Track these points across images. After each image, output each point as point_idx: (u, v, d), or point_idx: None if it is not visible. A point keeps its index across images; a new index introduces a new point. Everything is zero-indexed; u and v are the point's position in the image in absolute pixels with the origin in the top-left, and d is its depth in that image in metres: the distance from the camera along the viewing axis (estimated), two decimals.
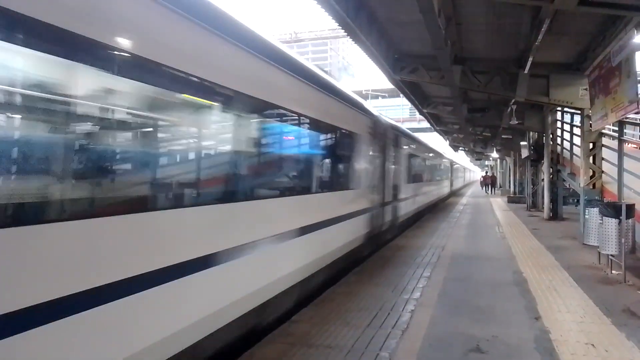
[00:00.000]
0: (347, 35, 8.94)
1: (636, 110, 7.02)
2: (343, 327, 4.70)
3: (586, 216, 7.86)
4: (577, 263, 7.98)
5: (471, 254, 9.16)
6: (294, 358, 3.90)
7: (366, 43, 9.32)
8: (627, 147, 9.98)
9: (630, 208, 6.92)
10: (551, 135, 15.12)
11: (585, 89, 10.18)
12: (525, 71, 9.91)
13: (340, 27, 8.48)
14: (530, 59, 9.00)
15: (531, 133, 18.53)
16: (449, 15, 8.25)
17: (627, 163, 9.00)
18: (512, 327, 4.70)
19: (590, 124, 9.90)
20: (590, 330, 4.62)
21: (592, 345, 4.21)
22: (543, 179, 16.88)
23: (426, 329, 4.67)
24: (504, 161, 36.69)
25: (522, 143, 21.74)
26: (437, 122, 23.76)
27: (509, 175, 32.39)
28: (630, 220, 6.92)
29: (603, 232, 7.07)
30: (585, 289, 6.21)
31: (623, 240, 6.72)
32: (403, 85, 13.73)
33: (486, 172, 48.70)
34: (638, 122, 8.02)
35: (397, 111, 44.77)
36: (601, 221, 7.07)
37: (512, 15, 8.17)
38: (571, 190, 17.97)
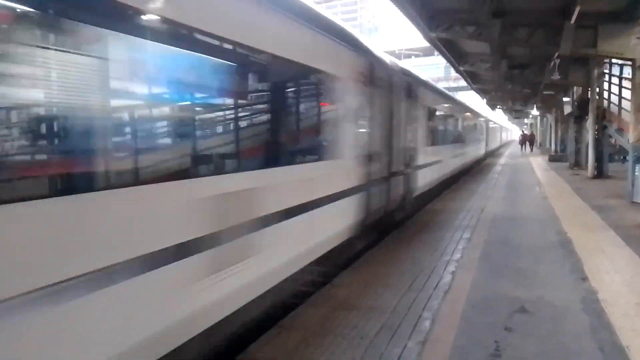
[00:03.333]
0: None
1: None
2: (384, 290, 4.74)
3: (637, 173, 7.50)
4: (626, 223, 7.69)
5: (512, 215, 8.98)
6: (336, 320, 3.97)
7: (403, 2, 8.95)
8: None
9: None
10: (597, 90, 14.35)
11: (638, 38, 9.53)
12: (572, 22, 9.31)
13: None
14: (577, 9, 8.43)
15: (575, 88, 17.65)
16: None
17: None
18: (558, 289, 4.62)
19: None
20: None
21: None
22: (587, 136, 16.15)
23: (468, 291, 4.65)
24: (545, 118, 35.24)
25: (565, 99, 20.79)
26: (475, 80, 22.93)
27: (550, 133, 31.18)
28: None
29: None
30: (635, 249, 6.00)
31: None
32: (439, 42, 13.22)
33: (523, 131, 47.08)
34: None
35: (432, 70, 43.44)
36: None
37: None
38: (617, 147, 17.19)
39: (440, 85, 34.54)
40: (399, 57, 40.24)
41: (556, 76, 14.10)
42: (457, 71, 19.77)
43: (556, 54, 11.98)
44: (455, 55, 16.14)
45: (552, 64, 13.90)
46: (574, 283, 4.78)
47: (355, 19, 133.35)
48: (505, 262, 5.66)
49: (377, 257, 6.12)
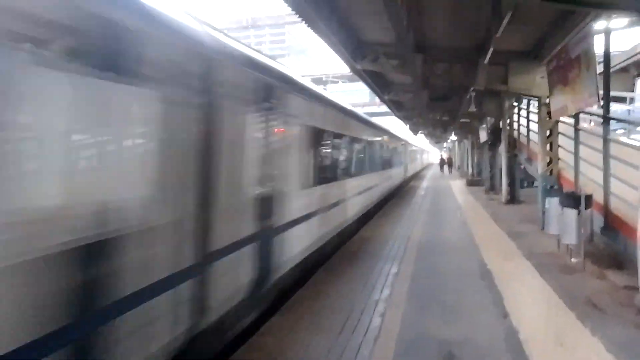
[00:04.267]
0: (308, 25, 8.67)
1: (596, 103, 7.17)
2: (316, 334, 4.59)
3: (547, 206, 8.03)
4: (538, 250, 8.18)
5: (436, 243, 9.25)
6: None
7: (327, 33, 9.08)
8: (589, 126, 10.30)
9: (589, 198, 7.11)
10: (508, 120, 15.45)
11: (542, 77, 10.36)
12: (486, 61, 9.97)
13: (301, 18, 8.20)
14: (490, 50, 9.03)
15: (489, 117, 18.90)
16: (411, 4, 8.12)
17: (582, 150, 9.28)
18: (483, 327, 4.72)
19: (549, 112, 10.11)
20: (557, 326, 4.70)
21: (560, 344, 4.27)
22: (501, 162, 17.29)
23: (398, 333, 4.61)
24: (462, 143, 37.50)
25: (480, 127, 22.19)
26: (398, 108, 23.87)
27: (467, 158, 33.17)
28: (588, 211, 7.11)
29: (563, 222, 7.26)
30: (548, 279, 6.34)
31: (582, 230, 6.92)
32: (364, 73, 13.59)
33: (441, 157, 50.20)
34: (597, 114, 8.23)
35: (357, 95, 44.75)
36: (562, 212, 7.24)
37: (472, 6, 8.13)
38: (526, 172, 18.57)
39: (365, 110, 35.63)
40: (325, 83, 41.13)
41: (472, 108, 15.01)
42: (382, 100, 20.47)
43: (472, 88, 12.76)
44: (379, 84, 16.69)
45: (468, 95, 14.79)
46: (497, 321, 4.91)
47: (283, 41, 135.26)
48: (432, 297, 5.73)
49: (308, 295, 5.96)
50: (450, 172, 42.24)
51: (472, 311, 5.21)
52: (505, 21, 7.04)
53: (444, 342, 4.35)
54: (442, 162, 45.23)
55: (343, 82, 44.91)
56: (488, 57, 9.70)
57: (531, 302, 5.44)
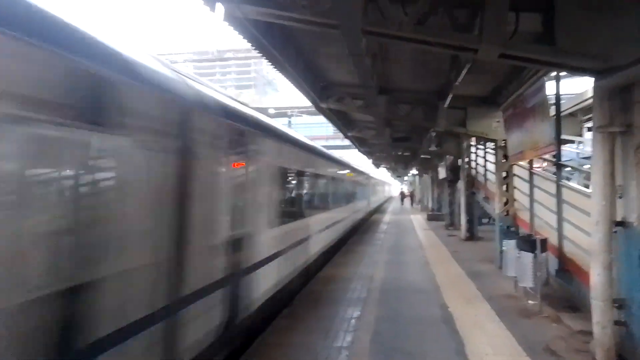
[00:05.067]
0: (274, 67, 8.78)
1: (552, 151, 7.53)
2: None
3: (504, 248, 8.25)
4: (497, 292, 8.34)
5: (398, 285, 9.27)
6: None
7: (293, 74, 9.22)
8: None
9: (544, 242, 7.36)
10: (467, 160, 16.00)
11: (498, 122, 10.84)
12: (446, 105, 10.36)
13: (268, 60, 8.30)
14: (450, 95, 9.41)
15: (448, 155, 19.52)
16: (375, 51, 8.39)
17: (537, 192, 9.67)
18: None
19: (505, 155, 10.53)
20: None
21: None
22: (460, 199, 17.77)
23: None
24: (423, 178, 38.42)
25: (440, 164, 22.85)
26: (361, 144, 24.30)
27: (427, 193, 33.94)
28: (544, 254, 7.35)
29: (520, 265, 7.47)
30: (508, 324, 6.45)
31: (538, 273, 7.13)
32: (329, 111, 13.82)
33: (402, 190, 51.40)
34: (549, 160, 8.67)
35: (322, 128, 45.36)
36: (519, 255, 7.45)
37: (434, 55, 8.49)
38: (484, 210, 19.14)
39: (329, 144, 35.91)
40: (290, 116, 41.53)
41: (433, 147, 15.48)
42: (346, 136, 20.82)
43: (432, 129, 13.18)
44: (344, 122, 17.00)
45: (429, 135, 15.25)
46: None
47: (249, 72, 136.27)
48: (395, 345, 5.69)
49: (268, 343, 5.80)
50: (412, 205, 43.22)
51: None
52: (464, 72, 7.37)
53: None
54: (402, 196, 46.69)
55: (308, 115, 45.54)
56: (448, 101, 10.10)
57: (492, 350, 5.49)
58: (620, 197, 5.03)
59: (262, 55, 7.93)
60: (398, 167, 38.38)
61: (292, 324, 6.58)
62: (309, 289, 8.85)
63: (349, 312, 7.19)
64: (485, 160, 14.53)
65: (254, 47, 7.48)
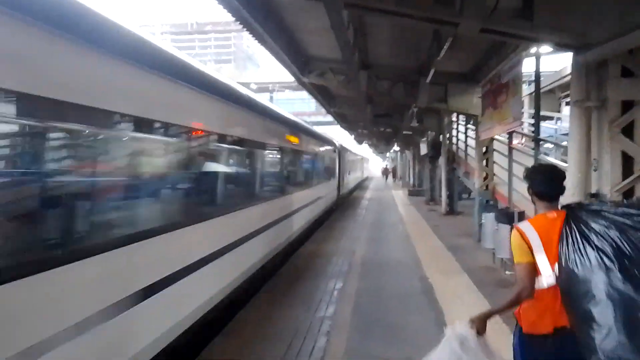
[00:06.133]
0: (256, 40, 8.64)
1: (519, 126, 7.66)
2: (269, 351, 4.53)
3: (483, 221, 8.43)
4: (476, 264, 8.56)
5: (380, 258, 9.43)
6: None
7: (275, 48, 9.10)
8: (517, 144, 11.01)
9: (522, 215, 7.54)
10: (448, 136, 16.14)
11: (479, 98, 10.93)
12: (427, 81, 10.37)
13: (249, 32, 8.16)
14: (432, 71, 9.42)
15: (429, 132, 19.66)
16: (356, 26, 8.31)
17: (515, 166, 9.85)
18: (425, 348, 4.84)
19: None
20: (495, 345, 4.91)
21: None
22: (441, 175, 18.00)
23: (343, 356, 4.65)
24: (404, 154, 38.69)
25: (421, 140, 23.01)
26: (344, 120, 24.26)
27: (409, 168, 34.24)
28: None
29: (498, 237, 7.66)
30: (486, 294, 6.65)
31: None
32: (311, 86, 13.72)
33: (386, 166, 51.73)
34: (528, 135, 8.82)
35: (304, 105, 45.09)
36: (497, 228, 7.63)
37: (415, 30, 8.46)
38: (464, 185, 19.45)
39: (312, 119, 35.55)
40: (272, 91, 41.10)
41: (414, 123, 15.55)
42: (328, 112, 20.74)
43: (414, 105, 13.22)
44: (326, 97, 16.91)
45: (410, 112, 15.30)
46: (439, 339, 5.07)
47: (229, 46, 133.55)
48: (376, 316, 5.83)
49: (250, 317, 5.87)
50: (393, 181, 43.63)
51: (415, 331, 5.35)
52: (445, 46, 7.37)
53: None
54: (385, 172, 47.19)
55: (290, 91, 45.10)
56: (430, 77, 10.11)
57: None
58: (595, 170, 5.17)
59: (243, 28, 7.79)
60: (380, 144, 38.52)
61: (274, 298, 6.66)
62: (291, 263, 8.94)
63: (330, 285, 7.30)
64: (466, 136, 14.68)
65: (235, 19, 7.34)
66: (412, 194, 26.50)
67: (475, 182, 11.71)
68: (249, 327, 5.52)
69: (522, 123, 7.59)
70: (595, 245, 2.18)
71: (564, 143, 13.98)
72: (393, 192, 30.06)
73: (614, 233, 2.16)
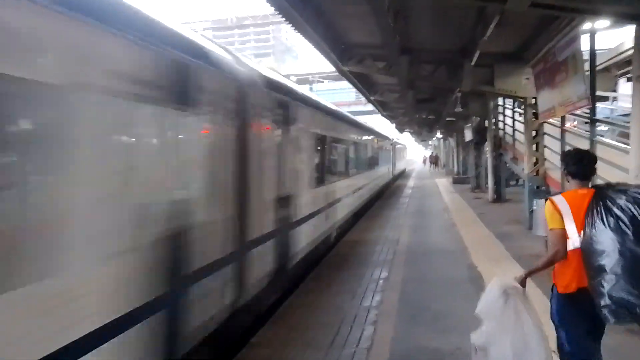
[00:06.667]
0: (295, 28, 8.57)
1: (587, 106, 7.20)
2: (305, 349, 4.51)
3: (534, 208, 8.07)
4: (526, 252, 8.20)
5: (425, 247, 9.24)
6: None
7: (314, 36, 8.99)
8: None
9: None
10: (494, 120, 15.56)
11: (528, 78, 10.43)
12: (472, 63, 9.98)
13: (288, 21, 8.10)
14: (477, 52, 9.04)
15: (473, 117, 19.03)
16: (397, 8, 8.07)
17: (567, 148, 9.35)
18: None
19: (535, 113, 10.17)
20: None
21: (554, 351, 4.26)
22: (486, 161, 17.41)
23: (390, 344, 4.57)
24: (447, 142, 37.76)
25: (465, 126, 22.34)
26: (384, 108, 23.89)
27: (453, 156, 33.39)
28: None
29: None
30: (538, 282, 6.35)
31: None
32: (351, 74, 13.53)
33: (432, 153, 50.72)
34: (585, 116, 8.33)
35: (343, 94, 44.79)
36: None
37: (458, 9, 8.13)
38: (512, 171, 18.76)
39: (351, 109, 35.40)
40: (311, 82, 41.02)
41: (458, 108, 15.07)
42: (369, 100, 20.45)
43: (458, 89, 12.80)
44: (366, 85, 16.65)
45: (454, 96, 14.83)
46: None
47: (268, 40, 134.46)
48: (423, 305, 5.70)
49: (297, 304, 5.88)
50: (436, 169, 42.82)
51: (463, 319, 5.17)
52: (492, 25, 7.04)
53: (436, 351, 4.32)
54: (429, 160, 46.42)
55: (329, 81, 44.91)
56: (475, 58, 9.72)
57: None
58: None
59: (282, 17, 7.73)
60: (422, 131, 37.74)
61: (320, 286, 6.65)
62: (336, 252, 8.91)
63: (375, 273, 7.22)
64: (514, 120, 14.09)
65: (274, 9, 7.30)
66: (456, 181, 25.79)
67: (524, 168, 11.23)
68: (297, 312, 5.54)
69: (589, 102, 7.09)
70: (616, 214, 2.58)
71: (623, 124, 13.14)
72: (436, 180, 29.43)
73: (633, 207, 2.57)
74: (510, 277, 3.16)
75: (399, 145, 35.59)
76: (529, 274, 3.15)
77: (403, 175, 38.62)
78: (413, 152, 70.32)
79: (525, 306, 2.98)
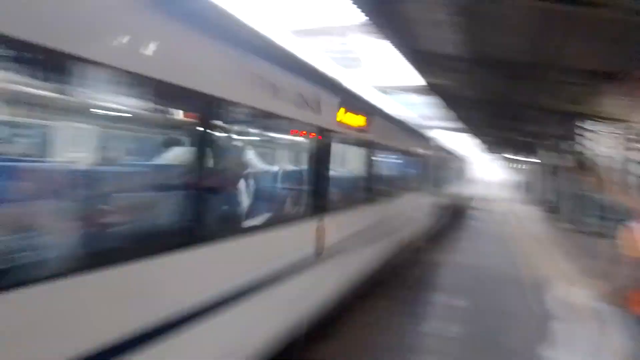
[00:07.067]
0: (380, 38, 8.41)
1: None
2: None
3: None
4: None
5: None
6: None
7: (397, 45, 8.74)
8: None
9: None
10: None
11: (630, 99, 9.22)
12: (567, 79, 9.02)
13: (380, 33, 8.01)
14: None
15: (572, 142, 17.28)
16: (482, 19, 7.55)
17: None
18: None
19: None
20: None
21: None
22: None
23: None
24: (537, 165, 35.07)
25: (562, 149, 20.31)
26: (467, 124, 22.77)
27: (542, 182, 30.79)
28: None
29: None
30: None
31: None
32: (432, 88, 12.99)
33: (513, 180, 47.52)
34: None
35: (426, 109, 43.48)
36: None
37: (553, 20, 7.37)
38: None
39: (436, 124, 33.53)
40: (390, 94, 40.25)
41: (553, 129, 13.77)
42: (458, 115, 19.64)
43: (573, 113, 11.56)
44: (448, 100, 15.88)
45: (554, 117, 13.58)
46: None
47: (347, 51, 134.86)
48: (493, 339, 5.13)
49: (362, 320, 5.51)
50: (521, 196, 39.84)
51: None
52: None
53: None
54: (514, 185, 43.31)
55: (406, 94, 43.94)
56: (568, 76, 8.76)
57: None
58: None
59: (370, 26, 7.62)
60: (509, 152, 35.46)
61: (389, 305, 6.27)
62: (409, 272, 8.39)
63: (441, 299, 6.69)
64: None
65: (366, 17, 7.20)
66: (546, 211, 23.31)
67: None
68: (363, 328, 5.28)
69: None
70: None
71: None
72: (520, 208, 27.29)
73: None
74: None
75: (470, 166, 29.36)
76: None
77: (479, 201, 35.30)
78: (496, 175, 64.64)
79: None
